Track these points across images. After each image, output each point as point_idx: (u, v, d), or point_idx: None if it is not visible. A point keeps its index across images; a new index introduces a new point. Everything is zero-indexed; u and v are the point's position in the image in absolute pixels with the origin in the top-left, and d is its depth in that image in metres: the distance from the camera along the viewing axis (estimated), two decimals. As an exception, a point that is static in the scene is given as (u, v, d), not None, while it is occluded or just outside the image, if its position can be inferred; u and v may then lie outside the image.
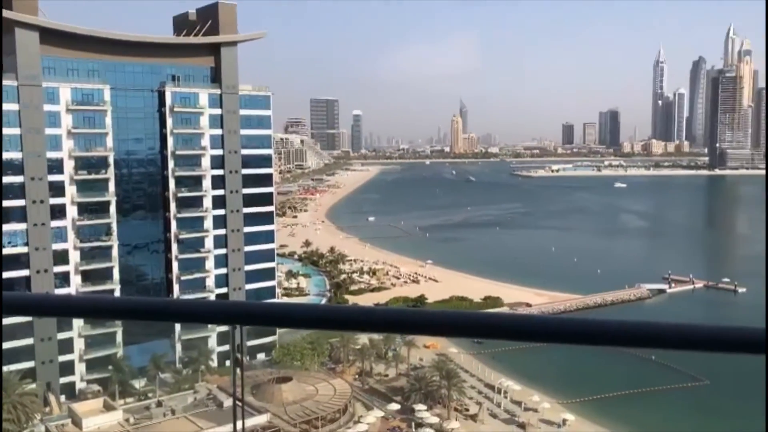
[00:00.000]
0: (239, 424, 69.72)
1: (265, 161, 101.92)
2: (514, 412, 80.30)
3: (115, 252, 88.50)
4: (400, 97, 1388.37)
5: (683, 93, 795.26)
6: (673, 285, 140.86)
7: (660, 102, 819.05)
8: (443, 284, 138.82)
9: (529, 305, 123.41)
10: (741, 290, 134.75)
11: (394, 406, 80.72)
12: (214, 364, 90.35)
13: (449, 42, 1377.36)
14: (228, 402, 77.33)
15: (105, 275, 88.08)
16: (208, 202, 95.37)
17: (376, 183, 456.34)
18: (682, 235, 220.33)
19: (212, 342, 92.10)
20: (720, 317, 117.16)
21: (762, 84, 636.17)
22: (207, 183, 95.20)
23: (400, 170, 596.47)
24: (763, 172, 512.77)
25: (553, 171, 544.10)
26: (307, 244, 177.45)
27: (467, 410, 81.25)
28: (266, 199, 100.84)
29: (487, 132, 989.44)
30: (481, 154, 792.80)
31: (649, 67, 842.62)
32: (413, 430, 75.88)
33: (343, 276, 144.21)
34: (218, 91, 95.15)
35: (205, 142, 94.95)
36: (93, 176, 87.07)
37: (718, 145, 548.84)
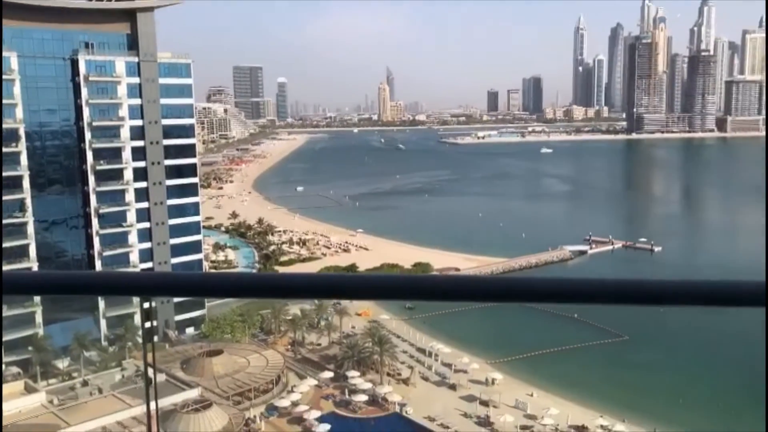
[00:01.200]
0: (155, 398, 68.60)
1: (188, 131, 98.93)
2: (445, 374, 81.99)
3: (30, 229, 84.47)
4: (326, 64, 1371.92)
5: (602, 59, 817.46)
6: (593, 246, 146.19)
7: (580, 68, 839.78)
8: (374, 252, 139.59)
9: (457, 269, 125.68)
10: (657, 249, 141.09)
11: (328, 374, 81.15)
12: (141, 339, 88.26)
13: (375, 9, 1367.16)
14: (158, 378, 75.90)
15: (20, 253, 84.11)
16: (128, 175, 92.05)
17: (304, 152, 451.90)
18: (602, 197, 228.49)
19: (138, 317, 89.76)
20: (638, 275, 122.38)
21: (676, 50, 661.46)
22: (127, 155, 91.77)
23: (328, 139, 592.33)
24: (677, 135, 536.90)
25: (479, 138, 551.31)
26: (234, 215, 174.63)
27: (399, 374, 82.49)
28: (190, 170, 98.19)
29: (414, 100, 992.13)
30: (409, 122, 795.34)
31: (570, 33, 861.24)
32: (347, 396, 76.55)
33: (273, 247, 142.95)
34: (136, 59, 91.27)
35: (124, 112, 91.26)
36: (2, 149, 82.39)
37: (635, 110, 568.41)
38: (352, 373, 79.70)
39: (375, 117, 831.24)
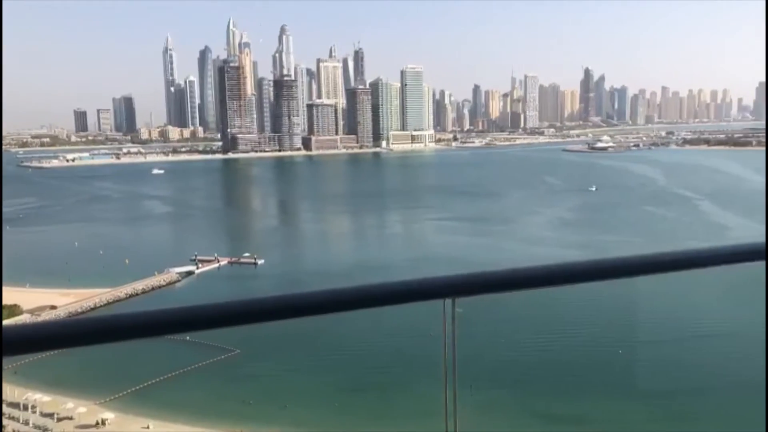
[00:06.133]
0: None
1: None
2: (46, 425, 73.38)
3: None
4: None
5: (194, 80, 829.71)
6: (200, 265, 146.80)
7: (172, 89, 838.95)
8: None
9: (54, 307, 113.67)
10: (260, 262, 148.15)
11: None
12: None
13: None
14: None
15: None
16: None
17: None
18: (205, 216, 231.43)
19: None
20: (245, 289, 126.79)
21: (262, 74, 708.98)
22: None
23: None
24: (270, 154, 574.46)
25: (68, 160, 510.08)
26: None
27: (-13, 439, 70.97)
28: None
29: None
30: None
31: (159, 54, 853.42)
32: None
33: None
34: None
35: None
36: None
37: (229, 130, 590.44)
38: None
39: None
